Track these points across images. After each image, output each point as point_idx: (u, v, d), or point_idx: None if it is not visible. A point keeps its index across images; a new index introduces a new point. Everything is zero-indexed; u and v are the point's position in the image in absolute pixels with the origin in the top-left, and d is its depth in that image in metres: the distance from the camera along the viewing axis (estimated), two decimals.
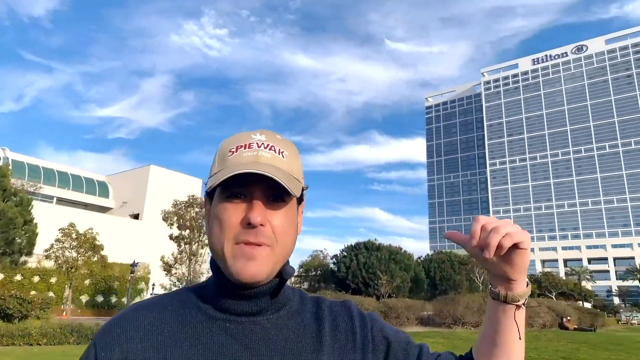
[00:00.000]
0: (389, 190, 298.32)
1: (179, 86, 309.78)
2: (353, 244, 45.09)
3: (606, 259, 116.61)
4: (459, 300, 27.36)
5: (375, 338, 0.85)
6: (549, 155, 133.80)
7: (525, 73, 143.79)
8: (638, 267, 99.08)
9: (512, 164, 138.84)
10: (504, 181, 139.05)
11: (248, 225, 0.72)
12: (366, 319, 0.88)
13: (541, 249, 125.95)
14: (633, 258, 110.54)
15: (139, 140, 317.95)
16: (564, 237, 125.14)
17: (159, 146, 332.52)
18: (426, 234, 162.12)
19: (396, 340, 0.87)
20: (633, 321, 68.61)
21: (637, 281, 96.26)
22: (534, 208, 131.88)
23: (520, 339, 0.82)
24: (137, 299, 34.99)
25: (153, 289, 39.39)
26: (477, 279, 44.53)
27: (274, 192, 0.75)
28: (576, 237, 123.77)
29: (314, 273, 52.12)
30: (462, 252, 63.62)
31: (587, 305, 54.77)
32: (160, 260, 33.16)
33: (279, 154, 0.77)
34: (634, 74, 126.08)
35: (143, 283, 39.70)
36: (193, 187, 57.66)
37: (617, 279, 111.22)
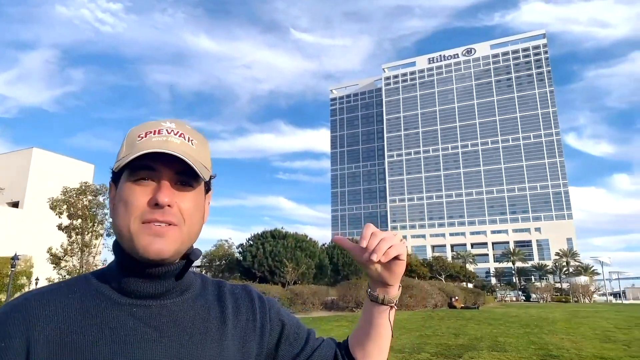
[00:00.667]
0: (294, 179, 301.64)
1: (66, 62, 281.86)
2: (260, 232, 45.00)
3: (486, 243, 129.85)
4: (361, 284, 28.69)
5: (272, 320, 0.91)
6: (440, 149, 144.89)
7: (422, 71, 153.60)
8: (511, 250, 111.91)
9: (407, 156, 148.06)
10: (400, 172, 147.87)
11: (156, 205, 0.73)
12: (265, 302, 0.93)
13: (432, 235, 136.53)
14: (507, 243, 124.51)
15: (17, 119, 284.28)
16: (452, 225, 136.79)
17: (43, 127, 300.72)
18: (329, 221, 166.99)
19: (289, 323, 0.94)
20: (506, 298, 77.67)
21: (511, 263, 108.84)
22: (426, 197, 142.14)
23: (391, 335, 0.93)
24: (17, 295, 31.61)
25: (37, 283, 35.80)
26: None
27: (181, 177, 0.77)
28: (462, 224, 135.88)
29: (218, 263, 51.15)
30: None
31: (470, 285, 60.63)
32: (47, 252, 30.27)
33: (189, 142, 0.79)
34: (513, 78, 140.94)
35: (24, 278, 35.90)
36: (85, 173, 53.07)
37: (494, 261, 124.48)
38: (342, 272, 46.47)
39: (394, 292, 0.92)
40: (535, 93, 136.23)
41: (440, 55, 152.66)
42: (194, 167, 0.74)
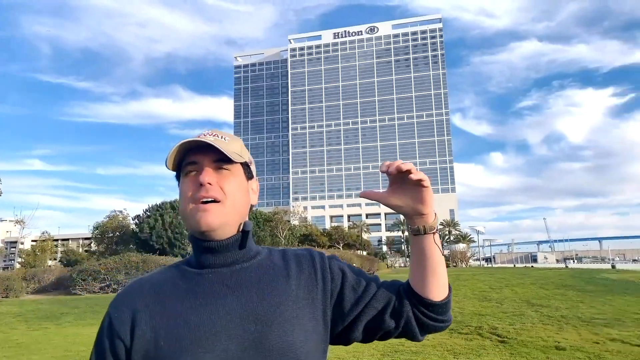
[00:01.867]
0: None
1: None
2: (158, 203, 43.16)
3: (380, 214, 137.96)
4: None
5: (332, 270, 1.02)
6: (342, 124, 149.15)
7: (327, 45, 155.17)
8: (402, 220, 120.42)
9: (311, 130, 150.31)
10: (304, 145, 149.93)
11: (200, 185, 0.92)
12: (325, 257, 1.06)
13: (331, 206, 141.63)
14: (398, 213, 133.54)
15: None
16: (349, 196, 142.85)
17: None
18: None
19: (350, 272, 1.04)
20: (396, 264, 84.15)
21: (401, 232, 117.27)
22: (327, 170, 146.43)
23: (443, 254, 1.02)
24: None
25: None
26: (280, 234, 47.95)
27: (218, 163, 0.95)
28: (359, 196, 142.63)
29: (111, 235, 48.27)
30: (267, 209, 66.98)
31: (364, 253, 64.42)
32: None
33: (221, 139, 0.97)
34: (411, 59, 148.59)
35: None
36: None
37: (386, 230, 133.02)
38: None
39: (431, 219, 0.99)
40: (430, 74, 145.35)
41: (345, 31, 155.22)
42: (223, 150, 0.91)
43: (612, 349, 6.89)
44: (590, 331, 8.55)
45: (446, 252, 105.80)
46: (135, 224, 43.78)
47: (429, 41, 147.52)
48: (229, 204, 0.93)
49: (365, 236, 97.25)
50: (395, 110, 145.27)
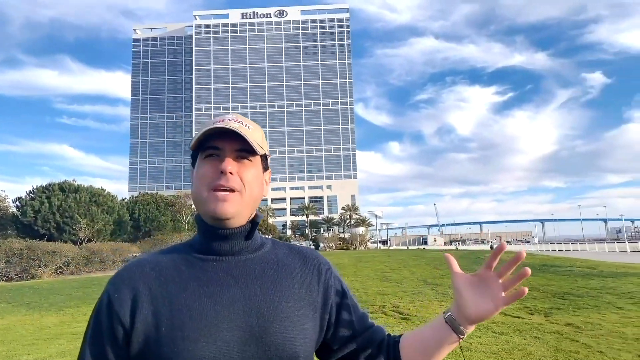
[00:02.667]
0: (82, 125, 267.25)
1: None
2: (44, 185, 39.19)
3: (285, 199, 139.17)
4: (168, 239, 28.13)
5: (336, 282, 1.03)
6: (248, 107, 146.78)
7: (235, 25, 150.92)
8: (306, 205, 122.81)
9: (216, 111, 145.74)
10: None
11: (221, 173, 0.90)
12: (331, 267, 1.06)
13: None
14: (303, 198, 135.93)
15: None
16: None
17: None
18: (125, 174, 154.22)
19: (350, 294, 1.06)
20: None
21: (305, 216, 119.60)
22: None
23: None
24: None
25: None
26: (183, 219, 46.28)
27: (241, 152, 0.94)
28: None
29: None
30: (168, 193, 63.98)
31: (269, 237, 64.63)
32: None
33: (245, 126, 0.95)
34: (319, 46, 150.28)
35: None
36: None
37: (291, 215, 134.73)
38: (144, 227, 44.36)
39: (472, 329, 0.97)
40: (337, 63, 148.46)
41: (253, 12, 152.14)
42: (249, 141, 0.91)
43: (497, 320, 7.81)
44: None
45: (347, 235, 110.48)
46: (17, 207, 39.31)
47: (336, 30, 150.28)
48: (247, 195, 0.93)
49: (270, 221, 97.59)
50: (303, 97, 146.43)
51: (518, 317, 8.15)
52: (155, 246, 27.31)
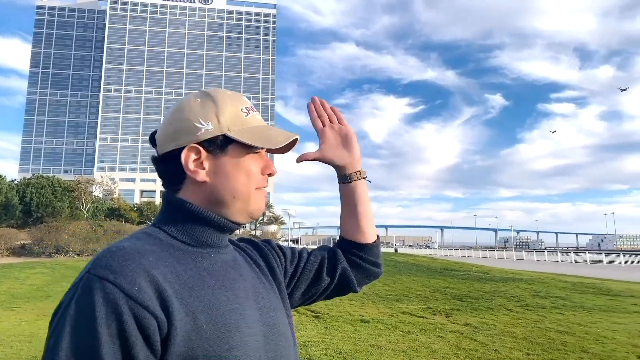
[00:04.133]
0: None
1: None
2: None
3: None
4: (65, 227, 25.89)
5: (276, 249, 1.04)
6: (164, 92, 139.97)
7: (155, 6, 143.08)
8: None
9: (127, 94, 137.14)
10: (117, 109, 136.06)
11: (269, 175, 0.87)
12: (271, 240, 1.08)
13: (142, 180, 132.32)
14: None
15: None
16: None
17: None
18: (17, 154, 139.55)
19: (286, 248, 1.07)
20: None
21: None
22: (142, 141, 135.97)
23: (369, 200, 1.09)
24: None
25: None
26: (82, 207, 42.78)
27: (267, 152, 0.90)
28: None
29: None
30: (67, 177, 58.67)
31: None
32: None
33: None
34: (243, 39, 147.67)
35: None
36: None
37: None
38: (36, 213, 40.33)
39: (360, 164, 1.09)
40: (260, 58, 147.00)
41: None
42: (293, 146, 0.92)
43: (404, 320, 8.21)
44: (386, 306, 10.00)
45: (259, 233, 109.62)
46: None
47: (262, 25, 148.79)
48: None
49: None
50: (223, 88, 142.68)
51: (422, 317, 8.61)
52: (50, 234, 24.92)
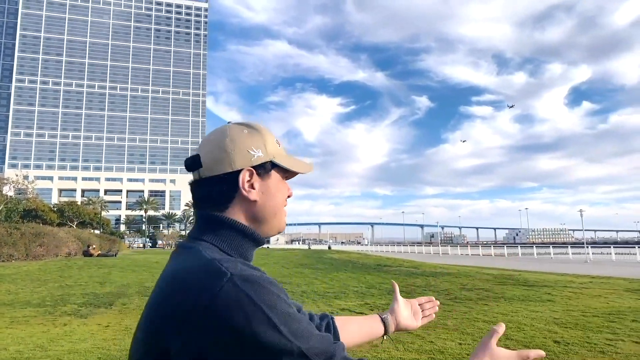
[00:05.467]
0: None
1: None
2: None
3: (121, 191, 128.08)
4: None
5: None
6: (85, 85, 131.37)
7: None
8: (146, 199, 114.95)
9: (44, 85, 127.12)
10: (32, 102, 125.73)
11: (288, 196, 0.98)
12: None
13: (61, 178, 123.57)
14: (143, 192, 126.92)
15: None
16: (86, 169, 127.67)
17: None
18: None
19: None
20: (134, 245, 79.49)
21: (143, 211, 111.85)
22: (61, 136, 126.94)
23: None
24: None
25: None
26: None
27: None
28: (98, 169, 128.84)
29: None
30: None
31: (97, 232, 58.82)
32: None
33: None
34: (173, 31, 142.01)
35: None
36: None
37: (127, 209, 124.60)
38: None
39: (391, 332, 1.22)
40: (191, 52, 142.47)
41: None
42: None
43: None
44: (325, 303, 10.24)
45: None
46: None
47: (193, 18, 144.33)
48: None
49: (103, 214, 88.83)
50: (151, 82, 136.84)
51: (361, 313, 8.95)
52: None
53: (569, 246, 40.17)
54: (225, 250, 0.85)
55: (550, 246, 40.33)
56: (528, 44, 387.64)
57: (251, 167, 0.89)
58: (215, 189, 0.87)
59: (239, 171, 0.87)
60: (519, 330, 7.02)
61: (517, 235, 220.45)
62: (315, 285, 13.66)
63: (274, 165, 0.93)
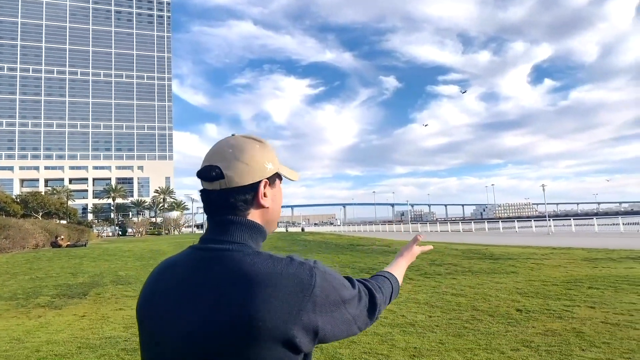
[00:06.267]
0: None
1: None
2: None
3: (87, 179, 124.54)
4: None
5: None
6: (43, 71, 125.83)
7: None
8: (113, 187, 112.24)
9: None
10: None
11: None
12: None
13: (22, 168, 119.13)
14: (110, 179, 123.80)
15: None
16: (49, 157, 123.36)
17: None
18: None
19: None
20: (103, 234, 77.91)
21: (111, 199, 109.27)
22: (20, 124, 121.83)
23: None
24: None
25: None
26: None
27: None
28: (61, 157, 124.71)
29: None
30: None
31: (64, 222, 57.35)
32: None
33: None
34: (134, 13, 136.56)
35: None
36: None
37: (93, 197, 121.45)
38: None
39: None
40: (154, 35, 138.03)
41: None
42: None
43: None
44: None
45: (160, 219, 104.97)
46: None
47: None
48: None
49: (69, 203, 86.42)
50: (113, 66, 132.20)
51: None
52: None
53: (533, 219, 41.84)
54: (258, 249, 1.01)
55: (515, 220, 41.83)
56: (491, 23, 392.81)
57: (266, 178, 1.03)
58: (240, 198, 0.98)
59: (259, 182, 1.00)
60: (485, 300, 7.43)
61: (484, 210, 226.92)
62: None
63: (278, 175, 1.08)
